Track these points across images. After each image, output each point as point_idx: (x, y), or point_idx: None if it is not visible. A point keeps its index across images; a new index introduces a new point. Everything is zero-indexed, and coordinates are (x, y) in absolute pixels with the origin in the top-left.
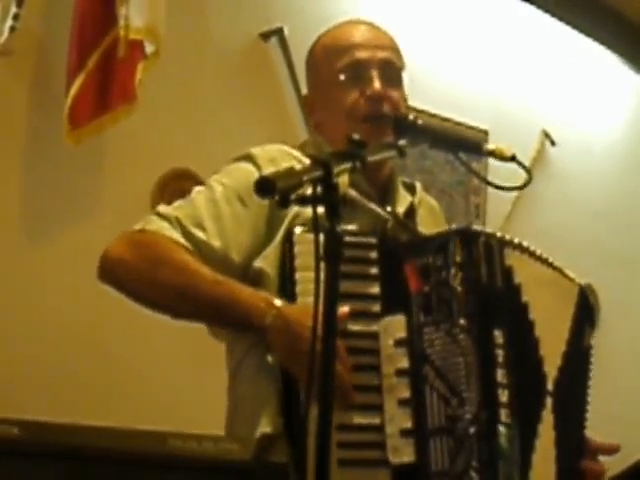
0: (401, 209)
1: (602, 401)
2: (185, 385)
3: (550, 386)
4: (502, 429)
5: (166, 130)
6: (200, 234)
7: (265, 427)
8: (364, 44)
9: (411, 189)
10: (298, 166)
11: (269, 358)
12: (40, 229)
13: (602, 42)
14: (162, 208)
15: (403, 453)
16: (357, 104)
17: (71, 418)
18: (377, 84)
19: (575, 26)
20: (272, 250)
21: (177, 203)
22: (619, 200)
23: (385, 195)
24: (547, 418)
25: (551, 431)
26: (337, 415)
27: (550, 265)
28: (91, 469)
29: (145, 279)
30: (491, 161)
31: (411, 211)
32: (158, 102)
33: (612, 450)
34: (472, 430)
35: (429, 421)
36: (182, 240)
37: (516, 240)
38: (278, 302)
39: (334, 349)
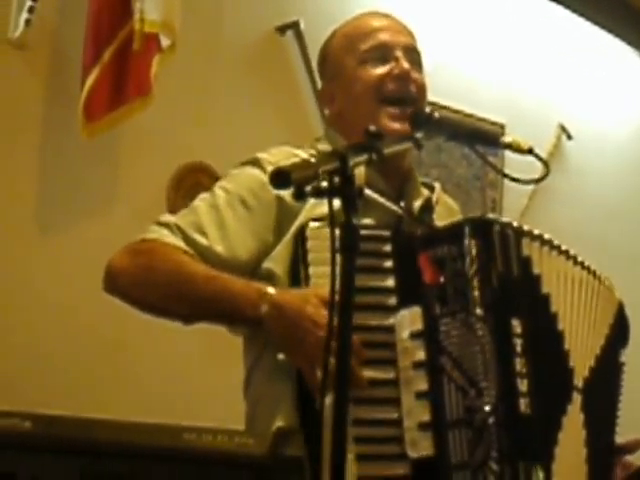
0: (417, 203)
1: None
2: (200, 379)
3: (579, 383)
4: (521, 420)
5: (182, 123)
6: (202, 239)
7: (281, 422)
8: (386, 28)
9: (430, 188)
10: (313, 158)
11: (279, 356)
12: (55, 222)
13: (621, 37)
14: (163, 217)
15: (421, 447)
16: (384, 81)
17: (84, 412)
18: (405, 63)
19: (594, 21)
20: (280, 250)
21: (180, 212)
22: (634, 196)
23: (403, 189)
24: (575, 414)
25: (581, 429)
26: (354, 410)
27: (576, 261)
28: (105, 463)
29: (142, 284)
30: (507, 155)
31: (428, 207)
32: (174, 95)
33: (636, 446)
34: (491, 420)
35: (447, 413)
36: (182, 245)
37: (536, 231)
38: (271, 290)
39: (349, 344)
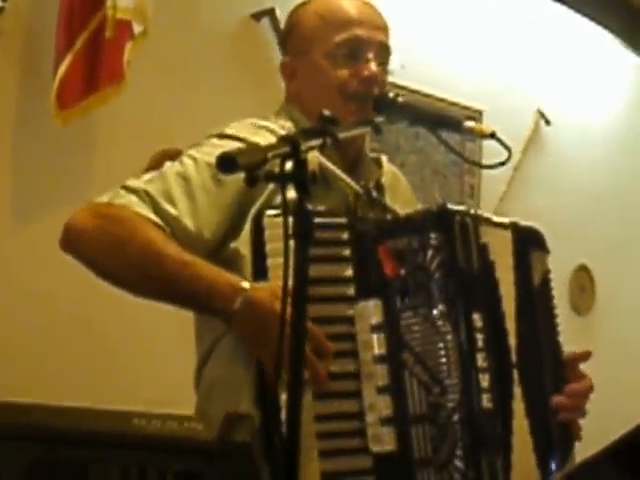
0: (370, 184)
1: (594, 379)
2: (173, 367)
3: (514, 358)
4: (484, 415)
5: (156, 111)
6: (172, 210)
7: (240, 408)
8: (364, 22)
9: (378, 163)
10: (264, 142)
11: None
12: (29, 211)
13: (599, 22)
14: (131, 182)
15: (384, 441)
16: (349, 81)
17: (35, 398)
18: (374, 67)
19: (572, 7)
20: (247, 231)
21: (147, 176)
22: (613, 181)
23: (355, 171)
24: (517, 393)
25: (521, 405)
26: (315, 405)
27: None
28: (55, 450)
29: (108, 254)
30: (485, 142)
31: (379, 187)
32: (150, 82)
33: (585, 356)
34: (455, 418)
35: (410, 409)
36: (152, 216)
37: (485, 214)
38: (246, 284)
39: (304, 334)
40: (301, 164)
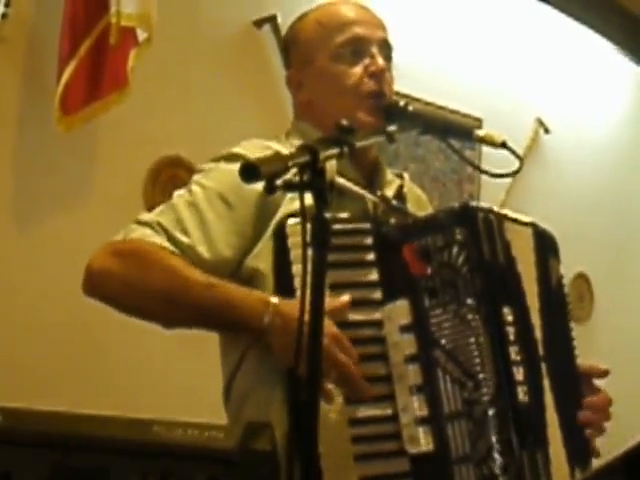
0: (390, 192)
1: None
2: (171, 372)
3: (541, 350)
4: (521, 408)
5: (158, 117)
6: (185, 239)
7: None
8: (362, 22)
9: (399, 178)
10: (285, 151)
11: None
12: (31, 216)
13: (599, 31)
14: (143, 216)
15: (420, 442)
16: (362, 80)
17: (54, 406)
18: (381, 61)
19: (572, 15)
20: (263, 247)
21: (158, 209)
22: (611, 189)
23: (373, 180)
24: (545, 385)
25: (550, 397)
26: (348, 410)
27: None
28: (75, 457)
29: (133, 287)
30: (484, 149)
31: (401, 195)
32: (151, 89)
33: (602, 373)
34: (491, 412)
35: (445, 406)
36: (167, 244)
37: (510, 213)
38: (274, 300)
39: (321, 339)
40: (320, 173)
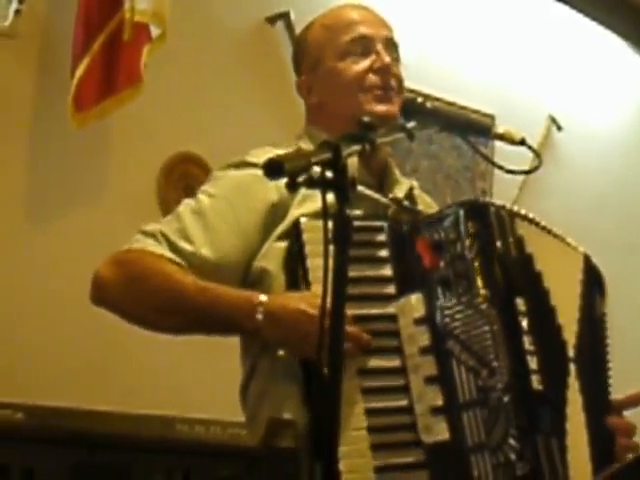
0: (400, 194)
1: None
2: (192, 369)
3: (571, 353)
4: (535, 395)
5: (172, 114)
6: (188, 246)
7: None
8: (366, 21)
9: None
10: (306, 147)
11: (280, 352)
12: (45, 213)
13: (611, 28)
14: (147, 226)
15: (436, 431)
16: (366, 75)
17: (77, 402)
18: (386, 57)
19: (584, 12)
20: (270, 247)
21: (164, 219)
22: (624, 186)
23: (383, 180)
24: (573, 384)
25: (578, 397)
26: (363, 400)
27: (554, 235)
28: (97, 454)
29: (129, 296)
30: (496, 146)
31: (412, 196)
32: (164, 85)
33: (636, 400)
34: (506, 399)
35: (460, 395)
36: (169, 254)
37: (523, 211)
38: (263, 297)
39: (342, 334)
40: (342, 170)
